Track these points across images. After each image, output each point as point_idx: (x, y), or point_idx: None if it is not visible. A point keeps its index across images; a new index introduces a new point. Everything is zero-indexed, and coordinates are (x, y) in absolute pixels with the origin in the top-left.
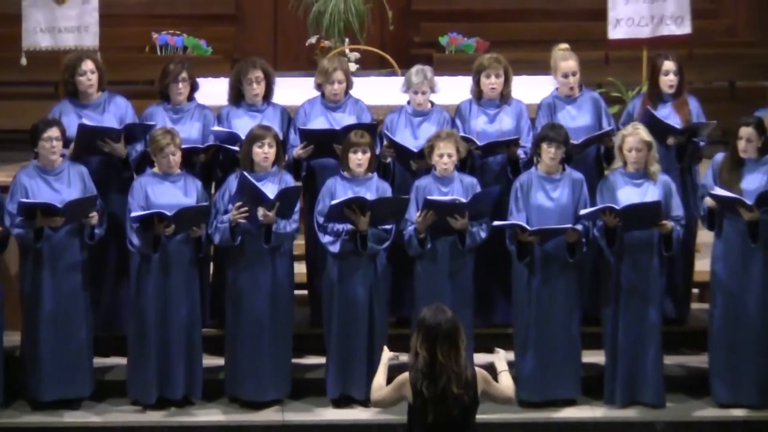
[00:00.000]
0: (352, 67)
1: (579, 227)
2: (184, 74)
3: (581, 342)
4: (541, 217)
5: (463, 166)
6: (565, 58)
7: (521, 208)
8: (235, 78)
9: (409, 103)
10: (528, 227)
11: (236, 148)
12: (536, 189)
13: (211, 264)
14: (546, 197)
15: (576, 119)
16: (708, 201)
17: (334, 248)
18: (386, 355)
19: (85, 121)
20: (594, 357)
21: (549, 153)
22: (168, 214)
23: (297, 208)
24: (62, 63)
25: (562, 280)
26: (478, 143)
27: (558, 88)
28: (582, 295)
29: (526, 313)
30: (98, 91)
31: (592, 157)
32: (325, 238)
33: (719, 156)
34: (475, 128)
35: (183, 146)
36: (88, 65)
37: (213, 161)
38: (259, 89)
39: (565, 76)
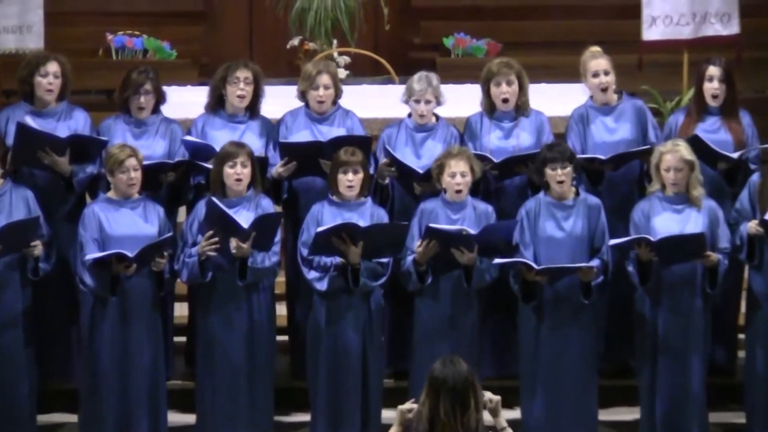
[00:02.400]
0: (342, 73)
1: (594, 264)
2: (147, 86)
3: (608, 397)
4: (551, 251)
5: (474, 191)
6: (593, 57)
7: (528, 240)
8: (219, 78)
9: (409, 116)
10: (534, 265)
11: (211, 166)
12: (545, 218)
13: (186, 304)
14: (556, 227)
15: (614, 132)
16: (751, 227)
17: (321, 285)
18: (401, 408)
19: (28, 120)
20: (629, 414)
21: (555, 176)
22: (129, 255)
23: (277, 238)
24: (23, 59)
25: (576, 325)
26: (495, 160)
27: (592, 96)
28: (609, 342)
29: (533, 364)
30: (58, 100)
31: (635, 177)
32: (311, 274)
33: (756, 177)
34: (487, 145)
35: (146, 162)
36: (52, 67)
37: (183, 182)
38: (245, 93)
39: (596, 75)
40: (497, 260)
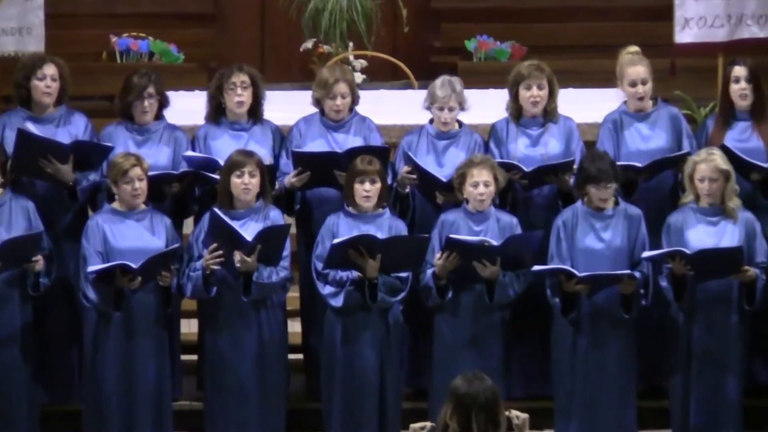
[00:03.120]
0: (358, 78)
1: (636, 274)
2: (150, 89)
3: (639, 419)
4: (589, 264)
5: (502, 202)
6: (632, 63)
7: (564, 252)
8: (215, 87)
9: (431, 122)
10: (575, 272)
11: (218, 177)
12: (583, 228)
13: (197, 321)
14: (595, 238)
15: (648, 140)
16: None
17: (337, 301)
18: (414, 426)
19: (29, 126)
20: None
21: (599, 195)
22: (133, 266)
23: (287, 252)
24: (19, 62)
25: (615, 341)
26: (525, 169)
27: (626, 102)
28: (640, 361)
29: (570, 383)
30: (56, 104)
31: (668, 187)
32: (326, 289)
33: None
34: (514, 153)
35: (150, 173)
36: (50, 69)
37: (187, 192)
38: (243, 98)
39: (633, 84)
40: (537, 267)
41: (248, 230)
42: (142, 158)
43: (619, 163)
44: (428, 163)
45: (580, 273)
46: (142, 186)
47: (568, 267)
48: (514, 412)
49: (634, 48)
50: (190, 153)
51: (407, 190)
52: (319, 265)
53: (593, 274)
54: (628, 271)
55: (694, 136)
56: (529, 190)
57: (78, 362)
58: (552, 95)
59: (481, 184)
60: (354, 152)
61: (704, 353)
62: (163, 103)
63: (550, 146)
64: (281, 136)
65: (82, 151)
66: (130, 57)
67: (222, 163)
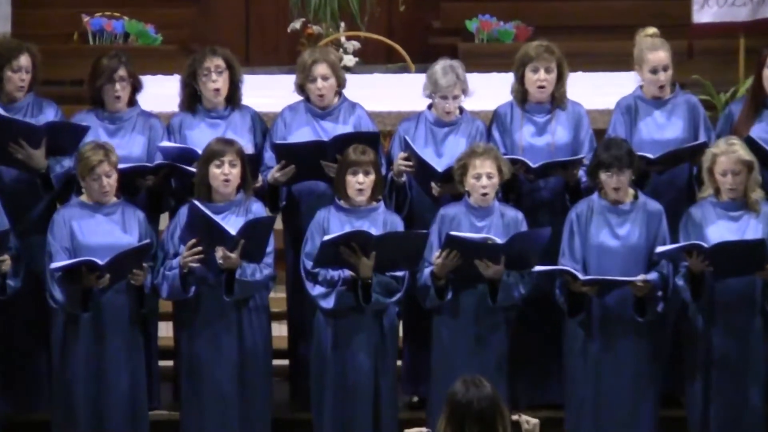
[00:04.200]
0: (350, 60)
1: (651, 277)
2: (121, 71)
3: (656, 430)
4: (604, 261)
5: (506, 195)
6: (654, 48)
7: (577, 248)
8: (188, 72)
9: (429, 107)
10: (579, 275)
11: (195, 170)
12: (598, 223)
13: (171, 324)
14: (610, 234)
15: (664, 129)
16: None
17: (327, 303)
18: None
19: None
20: None
21: (611, 183)
22: (99, 262)
23: (270, 248)
24: None
25: (630, 345)
26: (531, 164)
27: (642, 86)
28: (660, 367)
29: (581, 390)
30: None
31: (683, 181)
32: (315, 290)
33: None
34: (519, 141)
35: (122, 166)
36: (25, 60)
37: (163, 186)
38: (219, 84)
39: (654, 71)
40: (539, 267)
41: (229, 224)
42: (111, 150)
43: None
44: (427, 153)
45: (593, 271)
46: (110, 182)
47: (568, 267)
48: (524, 417)
49: (653, 30)
50: (165, 143)
51: (403, 179)
52: (309, 264)
53: (599, 278)
54: (638, 277)
55: (713, 127)
56: (534, 182)
57: (46, 368)
58: (561, 80)
59: (483, 176)
60: (340, 140)
61: (725, 358)
62: (137, 86)
63: (558, 134)
64: (262, 123)
65: (56, 134)
66: (104, 38)
67: (200, 153)
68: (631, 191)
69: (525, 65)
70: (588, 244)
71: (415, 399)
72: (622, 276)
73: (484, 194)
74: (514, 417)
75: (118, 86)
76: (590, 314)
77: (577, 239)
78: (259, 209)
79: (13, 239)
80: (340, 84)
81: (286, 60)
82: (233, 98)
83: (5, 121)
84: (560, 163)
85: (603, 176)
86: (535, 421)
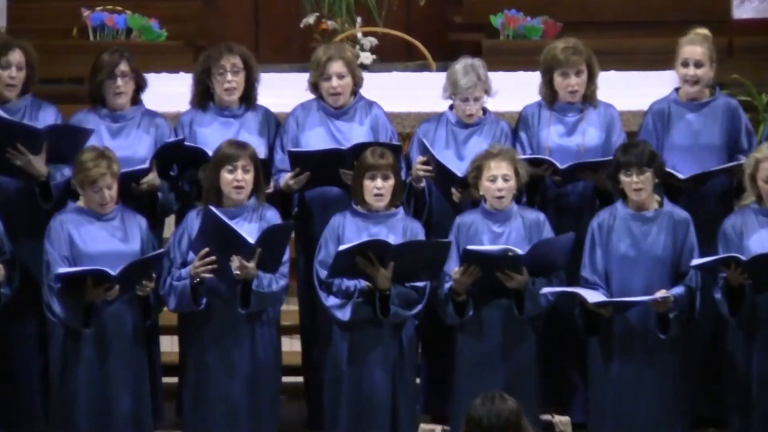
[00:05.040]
0: (367, 58)
1: (675, 291)
2: (123, 66)
3: None
4: (627, 273)
5: (530, 200)
6: (691, 42)
7: (598, 260)
8: (202, 68)
9: (451, 109)
10: (587, 298)
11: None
12: (620, 232)
13: (177, 338)
14: (633, 245)
15: (700, 134)
16: None
17: (343, 314)
18: None
19: None
20: None
21: (631, 184)
22: (112, 273)
23: (285, 257)
24: None
25: (655, 364)
26: (558, 165)
27: (677, 89)
28: (689, 387)
29: (602, 411)
30: (20, 94)
31: (722, 188)
32: (329, 300)
33: None
34: (546, 142)
35: (126, 170)
36: (15, 57)
37: (161, 183)
38: (235, 83)
39: (685, 64)
40: (545, 290)
41: (241, 232)
42: (113, 160)
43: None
44: (448, 156)
45: (615, 283)
46: (111, 194)
47: (578, 290)
48: (558, 418)
49: (703, 30)
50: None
51: (422, 184)
52: (323, 273)
53: (614, 300)
54: (656, 295)
55: (754, 132)
56: (562, 186)
57: (42, 385)
58: (591, 78)
59: (499, 178)
60: (361, 149)
61: (766, 377)
62: (140, 84)
63: (588, 135)
64: (276, 123)
65: (57, 138)
66: (105, 34)
67: (211, 153)
68: (656, 198)
69: (552, 70)
70: (610, 255)
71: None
72: (647, 288)
73: (500, 198)
74: (547, 417)
75: (119, 82)
76: (611, 331)
77: (599, 250)
78: (273, 216)
79: (7, 243)
80: (357, 82)
81: (298, 57)
82: (248, 97)
83: (8, 124)
84: (590, 164)
85: (623, 178)
86: (566, 419)
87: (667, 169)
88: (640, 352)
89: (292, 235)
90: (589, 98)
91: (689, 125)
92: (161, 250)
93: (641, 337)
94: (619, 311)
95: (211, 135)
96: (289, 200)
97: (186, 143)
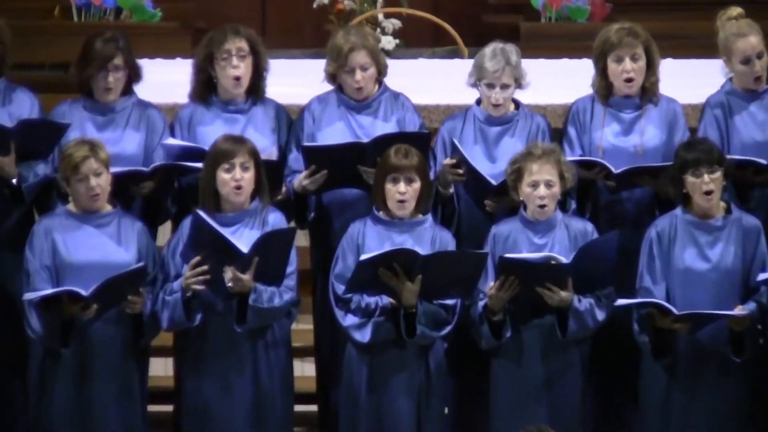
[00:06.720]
0: (389, 43)
1: (750, 308)
2: (117, 60)
3: None
4: (691, 289)
5: (579, 208)
6: (741, 34)
7: (658, 273)
8: (203, 56)
9: (478, 102)
10: (672, 309)
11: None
12: (683, 243)
13: (171, 361)
14: (698, 256)
15: (765, 126)
16: None
17: (362, 335)
18: None
19: None
20: None
21: (700, 185)
22: (83, 293)
23: (292, 267)
24: None
25: (724, 391)
26: (612, 169)
27: (732, 79)
28: (763, 414)
29: None
30: None
31: None
32: (347, 319)
33: None
34: (598, 142)
35: (114, 170)
36: None
37: (163, 190)
38: (241, 70)
39: (747, 61)
40: (621, 301)
41: (241, 239)
42: (98, 145)
43: (732, 158)
44: (476, 157)
45: (678, 300)
46: (100, 183)
47: (662, 301)
48: None
49: (737, 10)
50: (171, 141)
51: (451, 190)
52: (340, 288)
53: (696, 313)
54: (741, 311)
55: None
56: (616, 192)
57: (20, 407)
58: (651, 68)
59: (541, 184)
60: (382, 141)
61: None
62: (134, 77)
63: (647, 135)
64: (289, 119)
65: (29, 134)
66: (91, 14)
67: None
68: (722, 204)
69: (606, 55)
70: (672, 268)
71: None
72: (716, 306)
73: (542, 206)
74: None
75: (111, 78)
76: (675, 353)
77: (658, 262)
78: (277, 220)
79: None
80: (381, 71)
81: (310, 41)
82: (256, 89)
83: None
84: (648, 169)
85: (690, 179)
86: None
87: (743, 158)
88: (710, 377)
89: (306, 243)
90: (648, 91)
91: (752, 117)
92: (141, 264)
93: (712, 359)
94: (698, 328)
95: (214, 133)
96: (304, 204)
97: (185, 142)
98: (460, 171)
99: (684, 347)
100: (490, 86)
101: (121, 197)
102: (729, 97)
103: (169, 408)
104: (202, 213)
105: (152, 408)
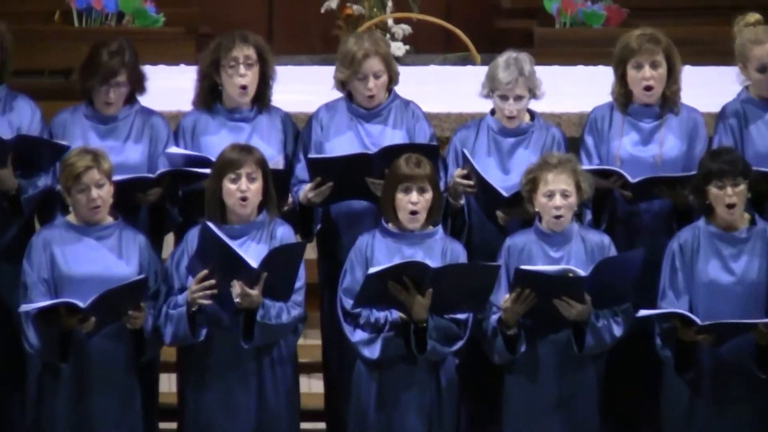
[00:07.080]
0: (399, 49)
1: None
2: (122, 77)
3: None
4: (716, 302)
5: (595, 219)
6: (759, 42)
7: (680, 286)
8: (209, 61)
9: (493, 113)
10: (696, 320)
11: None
12: (707, 255)
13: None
14: (722, 269)
15: None
16: None
17: (371, 351)
18: None
19: None
20: None
21: (724, 197)
22: (80, 304)
23: (300, 283)
24: None
25: (750, 408)
26: (629, 179)
27: (748, 87)
28: None
29: None
30: None
31: None
32: (356, 335)
33: None
34: (616, 151)
35: (117, 178)
36: None
37: (170, 198)
38: (248, 79)
39: (763, 69)
40: (643, 312)
41: (248, 253)
42: (101, 155)
43: (755, 168)
44: (489, 168)
45: (702, 314)
46: (102, 194)
47: (685, 311)
48: None
49: (755, 17)
50: (174, 150)
51: (462, 201)
52: (348, 303)
53: (720, 323)
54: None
55: None
56: (634, 203)
57: (18, 422)
58: (672, 75)
59: (557, 195)
60: (389, 152)
61: None
62: (138, 90)
63: (667, 145)
64: (295, 128)
65: (28, 148)
66: (92, 19)
67: None
68: (746, 215)
69: (626, 61)
70: (695, 281)
71: None
72: (740, 320)
73: (558, 216)
74: None
75: (112, 94)
76: (699, 368)
77: (681, 275)
78: (286, 234)
79: None
80: (393, 78)
81: (317, 47)
82: (262, 98)
83: None
84: (667, 179)
85: (713, 191)
86: None
87: (760, 170)
88: (736, 393)
89: (313, 256)
90: (669, 100)
91: None
92: (142, 276)
93: (738, 374)
94: (722, 341)
95: (218, 142)
96: (310, 216)
97: (188, 151)
98: (471, 182)
99: (708, 363)
100: (504, 98)
101: (125, 207)
102: (745, 105)
103: (172, 425)
104: (211, 225)
105: None
